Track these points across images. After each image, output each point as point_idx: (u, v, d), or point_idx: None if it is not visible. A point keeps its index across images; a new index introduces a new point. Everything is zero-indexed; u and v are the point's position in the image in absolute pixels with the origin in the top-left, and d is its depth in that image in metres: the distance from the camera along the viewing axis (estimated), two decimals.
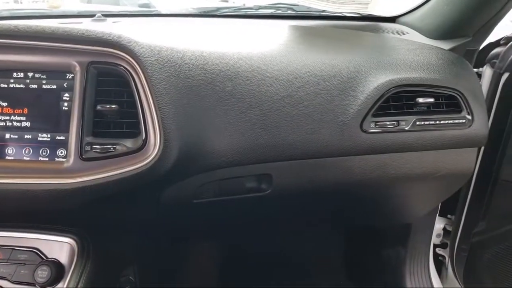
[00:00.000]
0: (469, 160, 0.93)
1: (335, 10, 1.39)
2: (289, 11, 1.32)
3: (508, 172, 1.05)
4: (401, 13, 1.23)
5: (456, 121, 0.89)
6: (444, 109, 0.90)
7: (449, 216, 1.34)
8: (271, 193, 0.87)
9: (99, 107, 0.71)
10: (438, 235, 1.37)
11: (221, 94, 0.78)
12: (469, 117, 0.90)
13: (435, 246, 1.40)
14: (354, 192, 0.96)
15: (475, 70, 1.20)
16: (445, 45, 1.03)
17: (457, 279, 1.26)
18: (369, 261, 1.33)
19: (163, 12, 1.32)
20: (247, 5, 1.39)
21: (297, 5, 1.37)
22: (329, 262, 1.36)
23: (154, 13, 1.33)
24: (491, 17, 0.97)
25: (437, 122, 0.88)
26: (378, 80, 0.87)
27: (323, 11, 1.34)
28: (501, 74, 1.07)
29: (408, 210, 1.09)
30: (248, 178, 0.85)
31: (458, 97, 0.90)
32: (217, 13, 1.30)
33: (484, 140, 0.90)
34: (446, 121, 0.89)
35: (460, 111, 0.90)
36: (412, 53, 0.96)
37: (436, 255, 1.41)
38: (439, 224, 1.36)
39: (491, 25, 1.00)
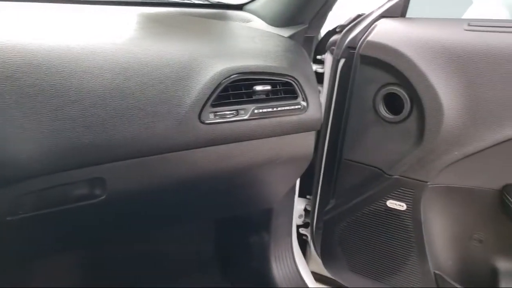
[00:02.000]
0: (308, 144, 0.97)
1: None
2: None
3: (348, 152, 1.12)
4: (248, 1, 1.23)
5: (292, 107, 0.91)
6: (282, 96, 0.92)
7: (308, 196, 1.41)
8: (107, 198, 0.78)
9: None
10: (300, 216, 1.44)
11: (28, 89, 0.66)
12: (304, 103, 0.93)
13: (298, 226, 1.46)
14: (204, 185, 0.93)
15: (319, 57, 1.27)
16: (285, 33, 1.05)
17: (319, 256, 1.34)
18: (236, 250, 1.33)
19: None
20: None
21: None
22: (197, 256, 1.32)
23: None
24: (322, 5, 1.02)
25: (275, 109, 0.89)
26: (215, 68, 0.84)
27: None
28: (338, 60, 1.14)
29: (262, 196, 1.10)
30: (76, 184, 0.75)
31: (293, 83, 0.92)
32: None
33: (318, 123, 0.94)
34: (283, 108, 0.90)
35: (296, 97, 0.92)
36: (251, 41, 0.96)
37: (300, 235, 1.47)
38: (300, 205, 1.42)
39: (323, 12, 1.05)
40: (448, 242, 1.08)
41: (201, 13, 1.20)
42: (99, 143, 0.72)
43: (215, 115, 0.83)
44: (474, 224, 1.05)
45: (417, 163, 1.00)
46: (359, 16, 1.14)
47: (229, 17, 1.18)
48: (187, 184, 0.88)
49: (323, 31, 1.26)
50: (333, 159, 1.20)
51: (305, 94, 0.92)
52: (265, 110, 0.88)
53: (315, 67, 1.28)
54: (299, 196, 1.43)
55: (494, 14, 1.15)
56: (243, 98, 0.88)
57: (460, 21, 0.97)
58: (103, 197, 0.77)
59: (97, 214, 0.81)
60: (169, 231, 1.17)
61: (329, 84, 1.20)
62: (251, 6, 1.19)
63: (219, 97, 0.84)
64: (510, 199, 0.94)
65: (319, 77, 1.28)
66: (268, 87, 0.88)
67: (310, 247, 1.43)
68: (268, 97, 0.90)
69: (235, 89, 0.87)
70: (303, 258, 1.40)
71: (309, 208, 1.38)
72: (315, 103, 0.93)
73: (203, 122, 0.82)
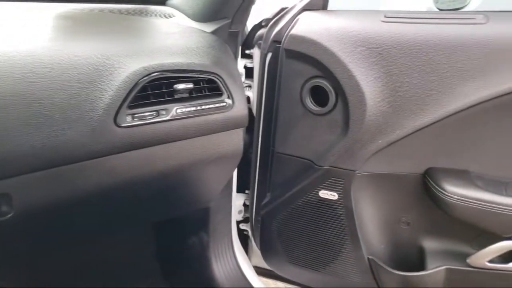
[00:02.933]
0: (236, 141, 0.95)
1: None
2: None
3: (279, 145, 1.13)
4: None
5: (217, 105, 0.88)
6: (206, 93, 0.89)
7: (247, 191, 1.40)
8: (15, 216, 0.72)
9: None
10: (239, 212, 1.43)
11: None
12: (229, 100, 0.91)
13: (239, 222, 1.45)
14: (128, 191, 0.88)
15: (247, 51, 1.25)
16: (207, 28, 1.02)
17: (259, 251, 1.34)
18: (176, 253, 1.29)
19: None
20: None
21: None
22: (136, 261, 1.27)
23: None
24: None
25: (199, 108, 0.86)
26: (131, 67, 0.80)
27: None
28: (266, 55, 1.13)
29: (195, 196, 1.07)
30: None
31: (217, 80, 0.89)
32: None
33: (245, 120, 0.92)
34: (208, 106, 0.88)
35: (220, 95, 0.90)
36: (172, 37, 0.92)
37: (241, 231, 1.47)
38: (239, 201, 1.41)
39: (246, 6, 1.03)
40: (379, 227, 1.12)
41: (121, 8, 1.14)
42: (0, 155, 0.66)
43: (133, 118, 0.79)
44: (402, 208, 1.09)
45: (345, 153, 1.02)
46: (283, 9, 1.14)
47: (150, 12, 1.12)
48: (109, 192, 0.83)
49: (250, 25, 1.25)
50: (267, 153, 1.20)
51: (230, 91, 0.90)
52: (188, 109, 0.85)
53: (244, 61, 1.27)
54: (238, 191, 1.42)
55: (410, 5, 1.19)
56: (164, 98, 0.84)
57: (377, 12, 0.99)
58: (10, 215, 0.71)
59: (6, 232, 0.74)
60: (105, 238, 1.11)
61: (258, 79, 1.19)
62: (174, 0, 1.15)
63: (136, 98, 0.80)
64: (431, 182, 0.99)
65: (249, 71, 1.27)
66: (191, 85, 0.85)
67: (251, 242, 1.43)
68: (191, 95, 0.87)
69: (155, 88, 0.83)
70: (244, 254, 1.39)
71: (248, 203, 1.37)
72: (240, 100, 0.92)
73: (119, 126, 0.77)
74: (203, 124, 0.87)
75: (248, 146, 1.36)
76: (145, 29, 0.96)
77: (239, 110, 0.91)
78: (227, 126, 0.90)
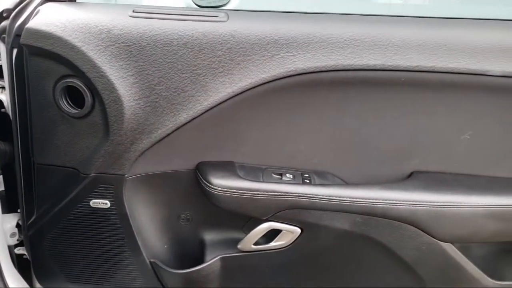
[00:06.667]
0: None
1: None
2: None
3: (39, 155, 0.99)
4: None
5: None
6: None
7: (19, 210, 1.21)
8: None
9: None
10: (12, 234, 1.23)
11: None
12: None
13: (16, 246, 1.26)
14: None
15: None
16: None
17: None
18: None
19: None
20: None
21: None
22: None
23: None
24: None
25: None
26: None
27: None
28: (11, 50, 0.98)
29: None
30: None
31: None
32: None
33: None
34: None
35: None
36: None
37: (20, 256, 1.27)
38: (10, 222, 1.22)
39: None
40: (160, 228, 1.10)
41: None
42: None
43: None
44: (180, 205, 1.09)
45: (109, 157, 0.96)
46: None
47: None
48: None
49: None
50: (29, 164, 1.05)
51: None
52: None
53: None
54: (8, 211, 1.22)
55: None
56: None
57: (126, 7, 0.94)
58: None
59: None
60: None
61: (9, 78, 1.02)
62: None
63: None
64: (200, 176, 1.00)
65: None
66: None
67: None
68: None
69: None
70: (23, 281, 1.21)
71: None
72: None
73: None
74: None
75: (11, 158, 1.17)
76: None
77: None
78: None
